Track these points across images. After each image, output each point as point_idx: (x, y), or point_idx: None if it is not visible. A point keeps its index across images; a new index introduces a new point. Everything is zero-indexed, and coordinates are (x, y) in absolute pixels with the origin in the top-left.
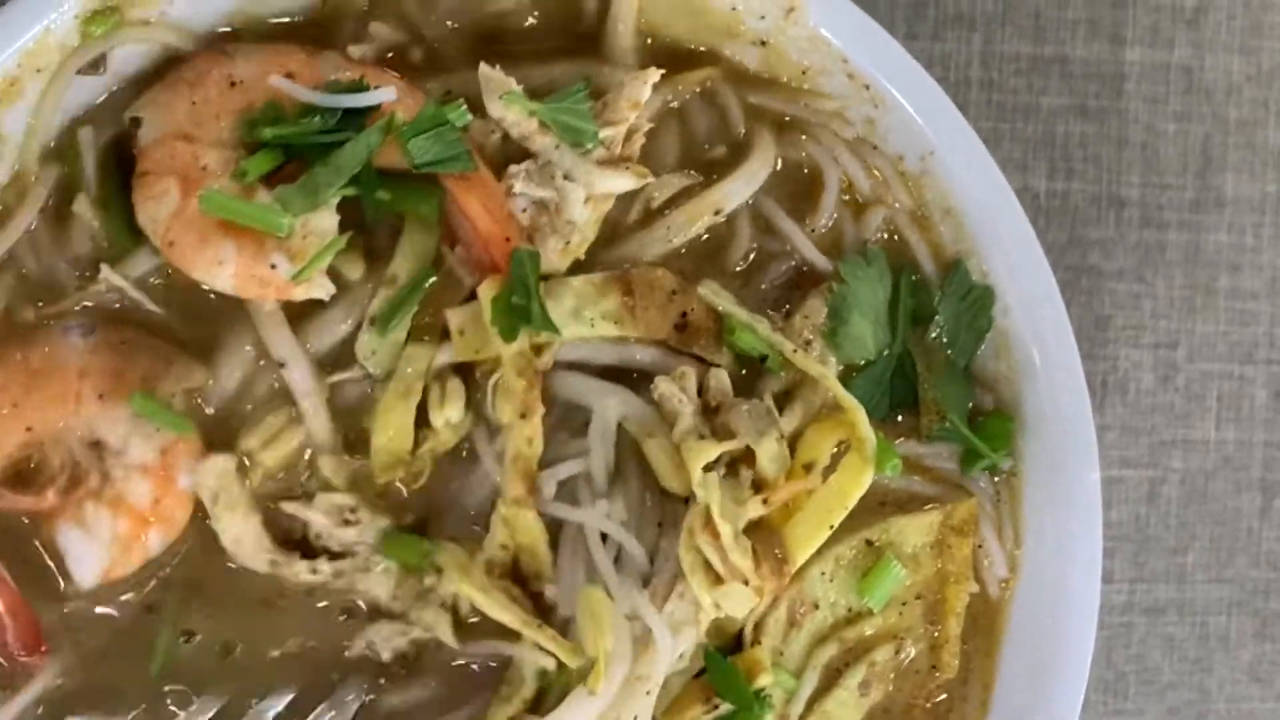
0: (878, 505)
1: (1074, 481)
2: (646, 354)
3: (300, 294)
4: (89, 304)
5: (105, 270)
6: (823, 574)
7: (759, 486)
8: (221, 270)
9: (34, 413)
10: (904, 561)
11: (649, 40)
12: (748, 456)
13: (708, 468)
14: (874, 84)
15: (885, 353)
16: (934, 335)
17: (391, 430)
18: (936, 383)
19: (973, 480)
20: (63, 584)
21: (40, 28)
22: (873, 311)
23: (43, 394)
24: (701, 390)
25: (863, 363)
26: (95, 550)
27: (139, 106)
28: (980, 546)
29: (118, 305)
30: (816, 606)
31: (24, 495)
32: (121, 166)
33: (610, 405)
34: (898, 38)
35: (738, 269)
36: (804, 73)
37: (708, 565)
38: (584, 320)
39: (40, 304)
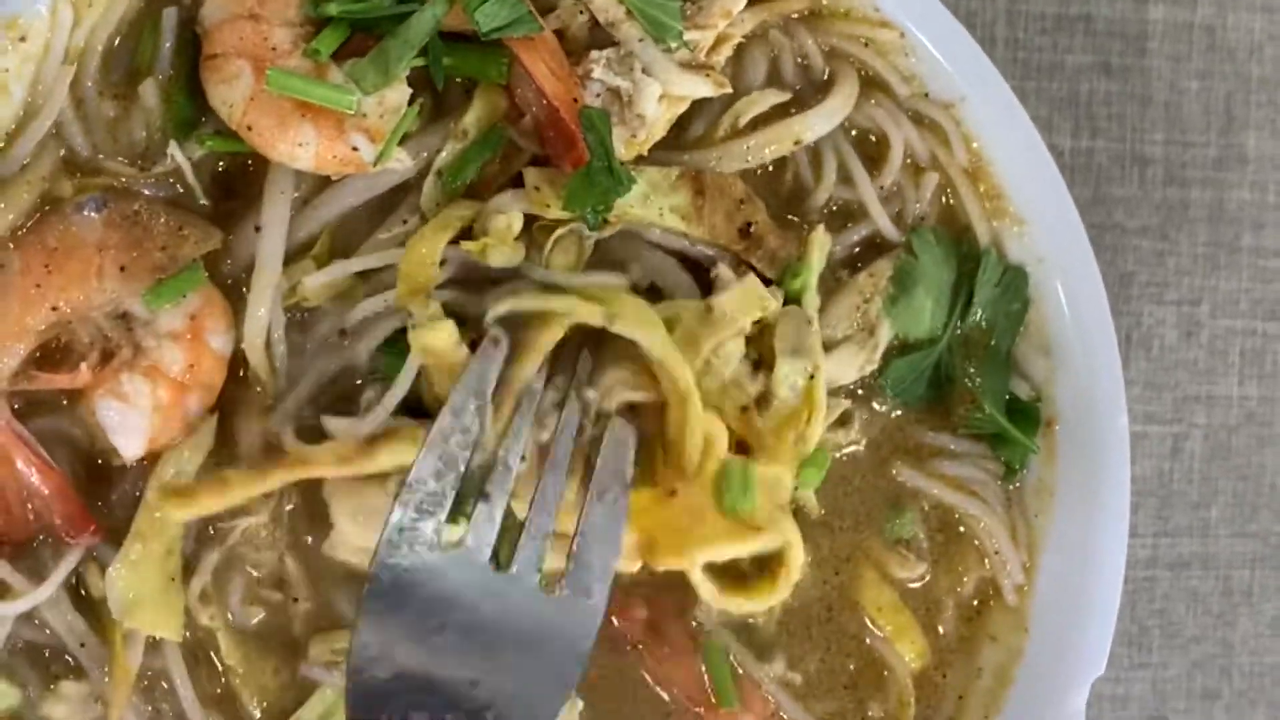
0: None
1: (1104, 428)
2: (708, 253)
3: (378, 169)
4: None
5: (174, 150)
6: None
7: (761, 402)
8: (303, 152)
9: (58, 291)
10: None
11: None
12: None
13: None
14: (906, 31)
15: (936, 340)
16: (974, 319)
17: (416, 256)
18: (975, 373)
19: (985, 486)
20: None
21: None
22: (935, 289)
23: (64, 272)
24: None
25: (915, 340)
26: (136, 421)
27: None
28: (997, 553)
29: (122, 182)
30: None
31: (57, 374)
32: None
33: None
34: None
35: (819, 216)
36: (846, 14)
37: None
38: (652, 207)
39: (77, 177)
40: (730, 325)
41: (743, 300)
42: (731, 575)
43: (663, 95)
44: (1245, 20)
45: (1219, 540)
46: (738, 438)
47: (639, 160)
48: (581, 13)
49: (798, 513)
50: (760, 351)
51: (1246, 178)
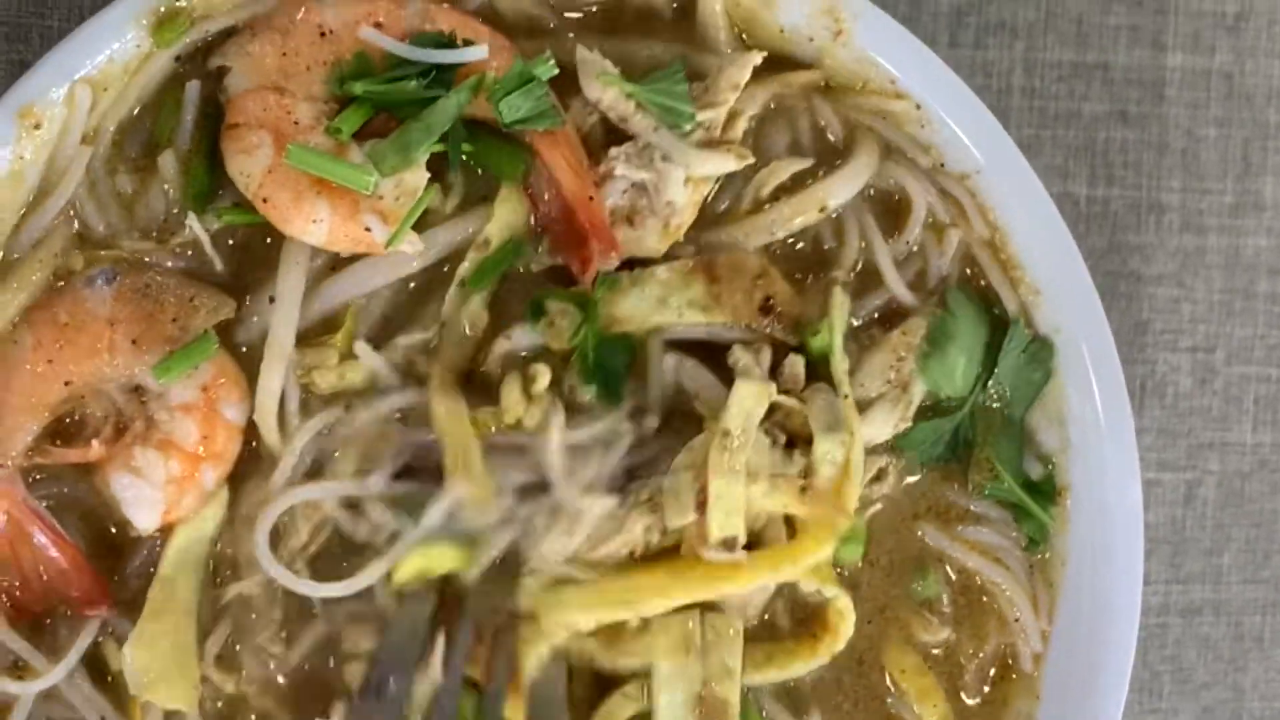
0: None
1: (1117, 501)
2: (733, 333)
3: (390, 250)
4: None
5: (193, 221)
6: None
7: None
8: (316, 228)
9: (70, 366)
10: None
11: (745, 39)
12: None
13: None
14: (923, 104)
15: (961, 402)
16: (991, 390)
17: None
18: (990, 439)
19: (1009, 554)
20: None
21: (104, 56)
22: (969, 349)
23: (76, 347)
24: (776, 374)
25: (946, 398)
26: (150, 494)
27: (227, 54)
28: (1017, 620)
29: (135, 255)
30: None
31: (70, 449)
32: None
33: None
34: (940, 46)
35: (845, 281)
36: (862, 88)
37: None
38: (671, 309)
39: (88, 253)
40: (746, 437)
41: (741, 410)
42: (768, 639)
43: (688, 178)
44: (1264, 66)
45: (1231, 586)
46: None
47: (665, 256)
48: (591, 114)
49: (837, 565)
50: (789, 431)
51: (1263, 224)
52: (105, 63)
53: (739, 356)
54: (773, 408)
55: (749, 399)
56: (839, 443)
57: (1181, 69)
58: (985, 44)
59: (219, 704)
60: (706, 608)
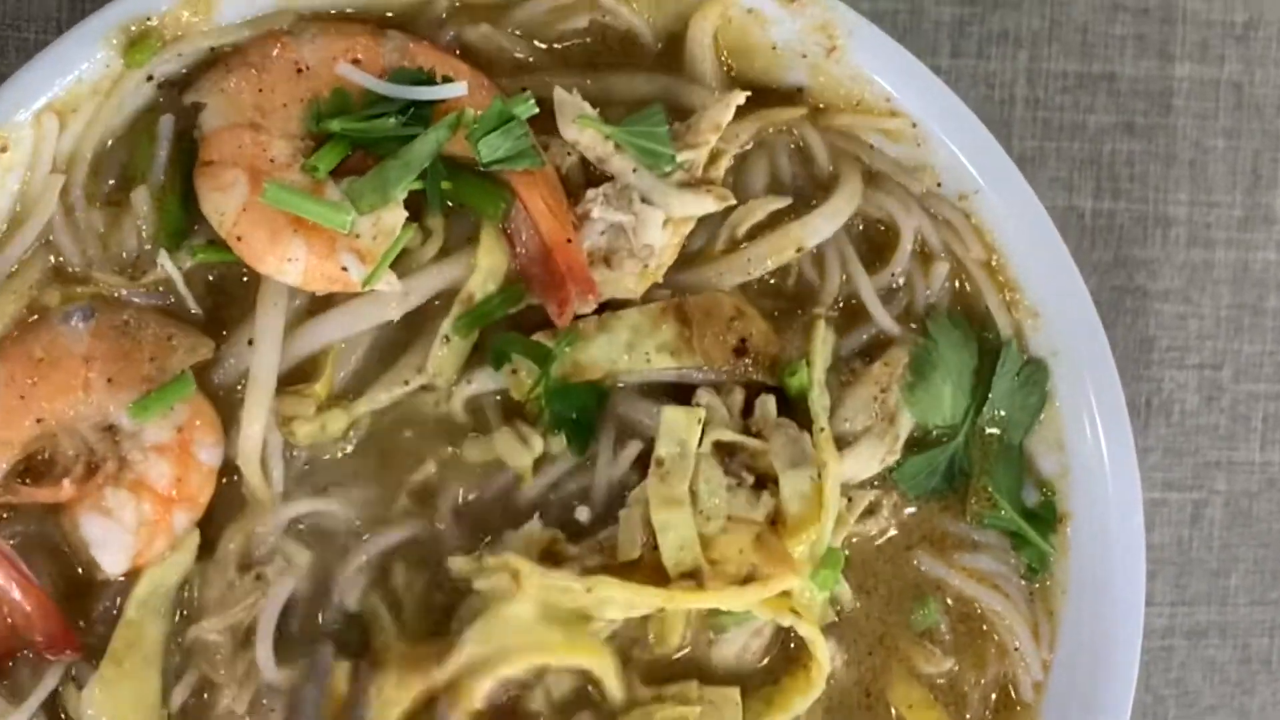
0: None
1: (1118, 528)
2: (705, 375)
3: (367, 289)
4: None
5: (164, 259)
6: None
7: (775, 521)
8: (291, 267)
9: (43, 403)
10: None
11: (731, 73)
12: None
13: (725, 468)
14: (919, 122)
15: (955, 432)
16: (987, 416)
17: None
18: (988, 467)
19: (1008, 580)
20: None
21: (73, 77)
22: (955, 375)
23: (50, 384)
24: (748, 414)
25: (935, 428)
26: (120, 537)
27: (202, 90)
28: (1017, 649)
29: (117, 294)
30: None
31: (40, 489)
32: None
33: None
34: (942, 56)
35: (828, 317)
36: (856, 105)
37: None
38: (639, 354)
39: (64, 289)
40: (683, 463)
41: (671, 437)
42: (765, 684)
43: (667, 220)
44: (1274, 76)
45: (1238, 609)
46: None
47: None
48: (570, 154)
49: (833, 604)
50: (757, 472)
51: (1273, 238)
52: (74, 83)
53: (702, 397)
54: (736, 449)
55: (677, 426)
56: (806, 478)
57: (1189, 79)
58: (988, 54)
59: None
60: (704, 680)
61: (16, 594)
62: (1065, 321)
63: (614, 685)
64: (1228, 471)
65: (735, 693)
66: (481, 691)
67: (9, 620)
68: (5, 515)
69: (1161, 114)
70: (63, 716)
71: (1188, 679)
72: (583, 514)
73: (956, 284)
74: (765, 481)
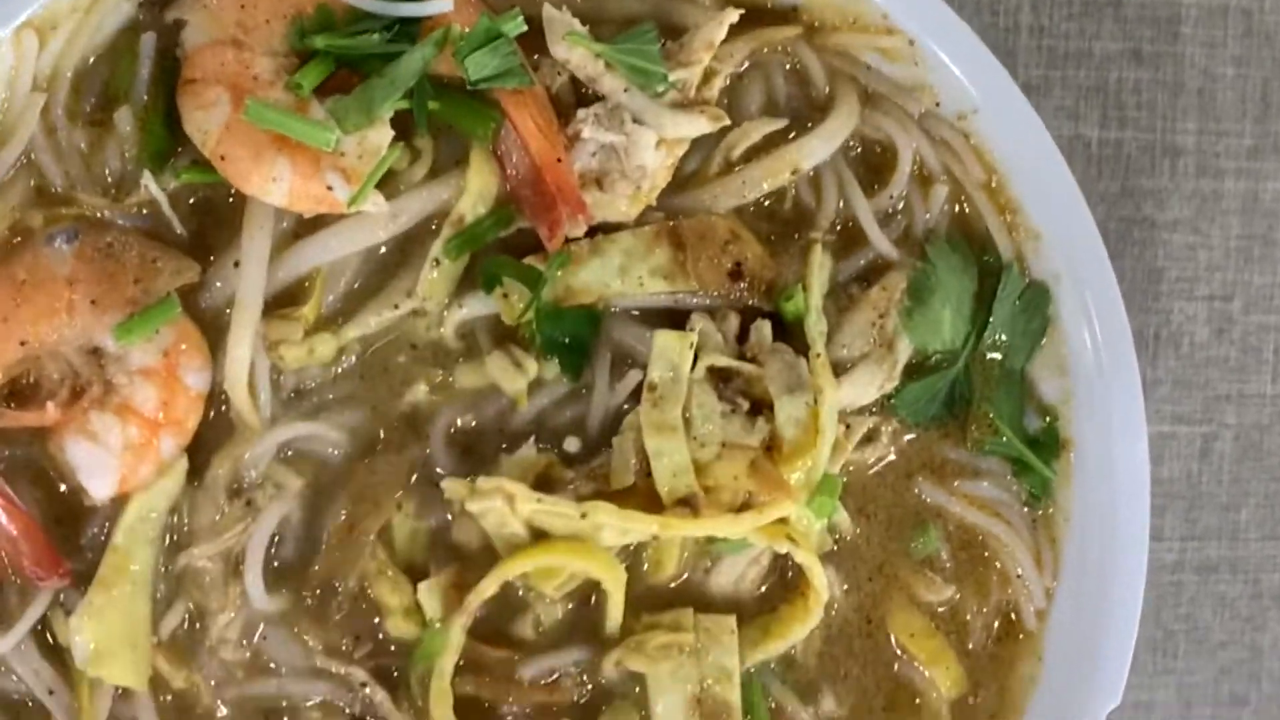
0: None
1: (1122, 454)
2: (699, 301)
3: (353, 209)
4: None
5: (148, 180)
6: None
7: (771, 447)
8: (275, 187)
9: (27, 326)
10: None
11: None
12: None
13: (720, 394)
14: (916, 39)
15: (955, 357)
16: (988, 341)
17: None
18: (989, 393)
19: (1009, 508)
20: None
21: None
22: (955, 300)
23: (33, 306)
24: (744, 339)
25: (934, 353)
26: (106, 461)
27: (184, 7)
28: (1019, 576)
29: (100, 215)
30: None
31: (25, 412)
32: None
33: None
34: None
35: (825, 241)
36: (852, 23)
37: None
38: (632, 278)
39: (47, 211)
40: (676, 388)
41: (663, 361)
42: (762, 613)
43: (660, 141)
44: None
45: (1249, 543)
46: (744, 497)
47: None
48: (560, 73)
49: (831, 532)
50: (753, 398)
51: None
52: (52, 0)
53: (696, 322)
54: (731, 374)
55: (669, 350)
56: (802, 403)
57: (1198, 5)
58: None
59: (167, 698)
60: (700, 608)
61: (3, 518)
62: (1067, 243)
63: (618, 604)
64: (1238, 404)
65: (731, 620)
66: (492, 589)
67: None
68: None
69: (1169, 41)
70: (51, 642)
71: (1198, 614)
72: (572, 444)
73: (956, 207)
74: (760, 408)
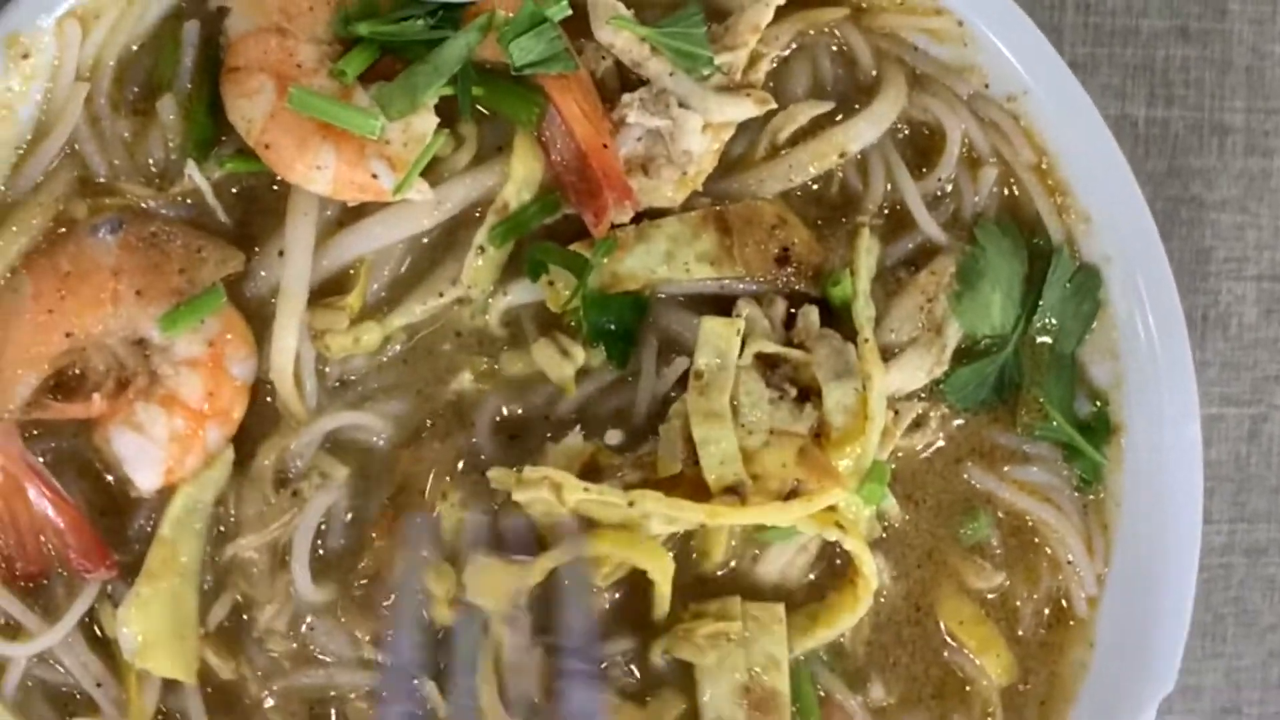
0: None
1: (1174, 437)
2: (746, 286)
3: (398, 197)
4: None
5: (192, 169)
6: None
7: (819, 434)
8: (320, 175)
9: (72, 318)
10: None
11: None
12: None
13: (767, 381)
14: (965, 20)
15: (1005, 342)
16: (1038, 325)
17: None
18: (1039, 378)
19: (1060, 493)
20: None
21: None
22: (1004, 283)
23: (78, 298)
24: (791, 325)
25: (984, 338)
26: (152, 452)
27: None
28: (1070, 562)
29: (144, 205)
30: None
31: (71, 404)
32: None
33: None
34: None
35: (872, 225)
36: (900, 4)
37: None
38: (678, 264)
39: (92, 200)
40: (723, 375)
41: (710, 348)
42: (810, 601)
43: (706, 125)
44: None
45: None
46: (792, 485)
47: (683, 206)
48: (604, 58)
49: (880, 519)
50: (801, 384)
51: None
52: None
53: (743, 308)
54: (779, 361)
55: (716, 336)
56: (851, 390)
57: None
58: None
59: (214, 690)
60: (748, 597)
61: (50, 511)
62: (1118, 225)
63: (665, 594)
64: None
65: (780, 608)
66: (538, 577)
67: (41, 537)
68: (36, 432)
69: (1216, 18)
70: (99, 634)
71: (1247, 597)
72: (614, 437)
73: (1005, 189)
74: (808, 394)
